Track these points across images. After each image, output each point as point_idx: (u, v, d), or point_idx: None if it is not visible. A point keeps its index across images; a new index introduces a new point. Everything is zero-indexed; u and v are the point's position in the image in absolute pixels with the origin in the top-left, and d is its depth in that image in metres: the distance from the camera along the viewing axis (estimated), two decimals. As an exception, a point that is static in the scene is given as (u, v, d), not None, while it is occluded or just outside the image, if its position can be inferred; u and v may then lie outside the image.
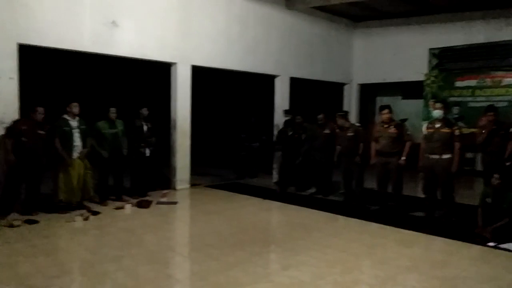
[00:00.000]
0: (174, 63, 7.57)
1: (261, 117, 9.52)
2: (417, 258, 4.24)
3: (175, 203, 6.59)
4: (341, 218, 5.85)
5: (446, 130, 5.50)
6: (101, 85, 10.35)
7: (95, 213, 5.73)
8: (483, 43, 9.11)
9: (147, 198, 6.62)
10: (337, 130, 6.90)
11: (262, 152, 9.21)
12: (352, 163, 6.56)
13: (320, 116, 7.53)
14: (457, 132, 5.50)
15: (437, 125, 5.58)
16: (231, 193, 7.49)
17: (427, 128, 5.76)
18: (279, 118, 9.15)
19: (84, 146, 5.94)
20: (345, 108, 11.29)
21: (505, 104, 8.67)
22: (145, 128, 6.89)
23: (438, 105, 5.69)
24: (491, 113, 5.77)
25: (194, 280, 3.73)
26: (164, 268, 3.92)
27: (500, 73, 8.80)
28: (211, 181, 8.53)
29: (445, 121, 5.61)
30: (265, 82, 9.69)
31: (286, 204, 6.64)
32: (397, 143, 5.89)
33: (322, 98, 11.29)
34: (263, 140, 9.19)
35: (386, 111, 6.01)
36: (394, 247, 4.62)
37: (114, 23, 6.67)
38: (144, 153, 6.86)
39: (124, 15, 6.79)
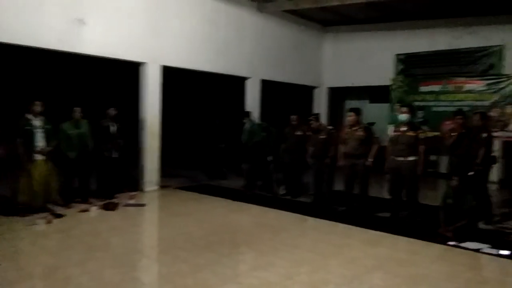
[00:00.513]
0: (144, 63, 7.46)
1: (231, 119, 9.52)
2: (382, 257, 4.36)
3: (143, 205, 6.49)
4: (309, 219, 5.93)
5: (411, 133, 5.69)
6: (67, 84, 10.04)
7: (59, 216, 5.55)
8: (446, 50, 9.49)
9: (114, 200, 6.48)
10: (310, 133, 6.99)
11: (229, 153, 9.19)
12: (323, 165, 6.66)
13: (294, 117, 7.61)
14: (421, 135, 5.70)
15: (403, 129, 5.76)
16: (201, 195, 7.44)
17: (393, 131, 5.93)
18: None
19: (48, 146, 5.74)
20: (315, 111, 11.47)
21: (466, 109, 9.01)
22: (112, 128, 6.75)
23: (404, 109, 5.87)
24: (460, 117, 6.02)
25: (162, 283, 3.68)
26: (130, 271, 3.85)
27: (461, 79, 9.18)
28: (181, 182, 8.44)
29: (410, 124, 5.79)
30: (236, 84, 9.71)
31: (255, 206, 6.66)
32: (364, 146, 6.03)
33: (292, 101, 11.41)
34: (228, 141, 9.15)
35: (351, 113, 6.15)
36: (360, 247, 4.73)
37: (81, 21, 6.50)
38: (111, 154, 6.71)
39: (92, 13, 6.63)
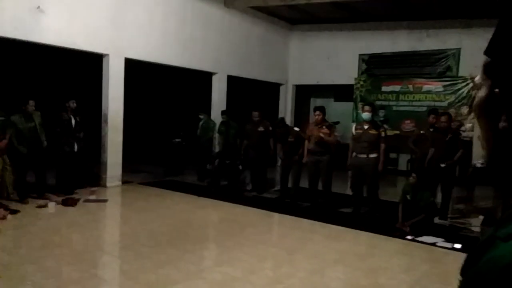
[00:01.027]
0: (106, 55, 7.23)
1: (189, 114, 9.45)
2: (344, 251, 4.47)
3: (104, 200, 6.31)
4: (274, 215, 5.98)
5: (373, 131, 5.85)
6: (24, 75, 9.58)
7: (14, 211, 5.29)
8: (407, 52, 9.82)
9: (73, 196, 6.26)
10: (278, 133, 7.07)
11: (186, 148, 9.06)
12: (291, 162, 6.73)
13: (256, 113, 7.63)
14: (383, 133, 5.88)
15: (365, 127, 5.92)
16: (165, 190, 7.33)
17: (356, 129, 6.08)
18: (216, 116, 9.14)
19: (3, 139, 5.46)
20: (281, 107, 11.59)
21: (424, 109, 9.41)
22: (73, 121, 6.50)
23: (366, 108, 6.03)
24: (433, 116, 6.22)
25: (123, 280, 3.60)
26: (90, 268, 3.74)
27: (420, 80, 9.55)
28: (145, 178, 8.28)
29: (372, 123, 5.96)
30: (203, 79, 9.62)
31: (220, 202, 6.64)
32: (326, 144, 6.17)
33: (259, 98, 11.45)
34: (183, 136, 9.02)
35: (318, 112, 6.25)
36: (323, 241, 4.83)
37: (39, 9, 6.20)
38: (72, 149, 6.48)
39: (51, 1, 6.34)
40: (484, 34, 8.86)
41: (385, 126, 8.80)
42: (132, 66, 7.71)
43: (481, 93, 0.57)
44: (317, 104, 12.93)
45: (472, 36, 8.97)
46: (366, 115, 5.96)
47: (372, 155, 5.83)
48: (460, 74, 9.13)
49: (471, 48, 8.98)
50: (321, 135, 6.11)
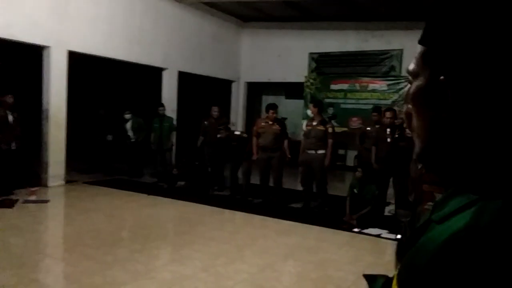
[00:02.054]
0: (47, 47, 6.82)
1: (147, 110, 9.17)
2: (294, 245, 4.55)
3: (45, 201, 5.96)
4: (226, 212, 5.97)
5: (321, 127, 6.00)
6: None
7: None
8: (354, 51, 10.17)
9: (11, 196, 5.85)
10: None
11: (117, 146, 8.68)
12: (240, 159, 6.76)
13: (215, 108, 7.57)
14: (330, 129, 6.04)
15: (314, 123, 6.06)
16: (113, 189, 7.06)
17: (306, 125, 6.22)
18: (167, 113, 8.93)
19: None
20: (233, 104, 11.57)
21: (370, 107, 9.79)
22: (10, 118, 6.08)
23: (310, 105, 6.20)
24: (375, 114, 6.48)
25: (66, 283, 3.42)
26: (29, 273, 3.51)
27: (366, 79, 9.92)
28: (91, 177, 7.92)
29: (320, 119, 6.12)
30: (153, 75, 9.37)
31: (171, 199, 6.52)
32: (279, 139, 6.24)
33: (210, 94, 11.35)
34: (115, 133, 8.62)
35: (272, 111, 6.29)
36: (274, 237, 4.88)
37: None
38: (10, 146, 6.06)
39: (-16, -13, 5.88)
40: (424, 36, 9.38)
41: (333, 122, 9.10)
42: (77, 60, 7.35)
43: (419, 82, 0.57)
44: (269, 101, 13.09)
45: (413, 37, 9.36)
46: (310, 112, 6.10)
47: (320, 151, 5.97)
48: (402, 73, 9.59)
49: (412, 49, 9.45)
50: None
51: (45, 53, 6.88)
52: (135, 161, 8.39)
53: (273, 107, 6.40)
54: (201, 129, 7.75)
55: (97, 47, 7.54)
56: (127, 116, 8.21)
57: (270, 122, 6.29)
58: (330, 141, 5.97)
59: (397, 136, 5.85)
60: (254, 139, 6.41)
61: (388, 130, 5.88)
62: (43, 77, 6.95)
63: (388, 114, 6.05)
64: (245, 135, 6.93)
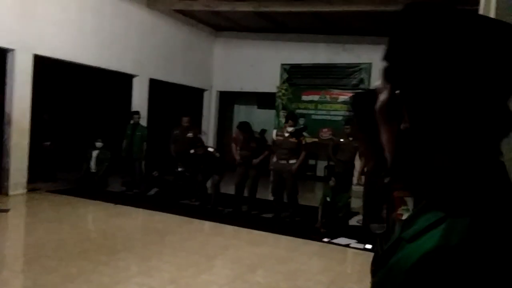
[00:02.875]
0: (11, 50, 6.55)
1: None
2: (265, 255, 4.53)
3: (6, 210, 5.67)
4: (195, 221, 5.87)
5: (293, 140, 6.04)
6: None
7: None
8: (325, 64, 10.36)
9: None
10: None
11: (57, 152, 8.15)
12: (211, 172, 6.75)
13: (186, 118, 7.55)
14: (303, 141, 6.10)
15: (286, 134, 6.10)
16: (78, 198, 6.82)
17: (277, 135, 6.25)
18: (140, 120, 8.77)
19: None
20: (205, 113, 11.50)
21: (340, 118, 10.00)
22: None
23: (290, 122, 6.15)
24: (347, 126, 6.52)
25: (25, 297, 3.26)
26: (-15, 287, 3.32)
27: (337, 91, 10.12)
28: (55, 185, 7.62)
29: (293, 131, 6.14)
30: (123, 81, 9.18)
31: (139, 209, 6.37)
32: (257, 153, 6.28)
33: (182, 103, 11.25)
34: (56, 139, 8.18)
35: (239, 131, 6.40)
36: (245, 247, 4.84)
37: None
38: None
39: None
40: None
41: (304, 133, 9.24)
42: (44, 64, 7.10)
43: (382, 97, 0.59)
44: (240, 111, 13.12)
45: (381, 52, 9.73)
46: (290, 129, 6.11)
47: (292, 161, 6.02)
48: (371, 86, 9.84)
49: (380, 63, 9.73)
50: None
51: (9, 56, 6.61)
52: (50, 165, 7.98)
53: (241, 128, 6.41)
54: (171, 138, 7.69)
55: (65, 52, 7.32)
56: (98, 144, 7.72)
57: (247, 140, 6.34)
58: (303, 153, 6.04)
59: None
60: (234, 146, 6.54)
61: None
62: (6, 80, 6.67)
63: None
64: (217, 154, 6.90)
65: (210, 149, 7.06)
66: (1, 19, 6.31)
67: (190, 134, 7.44)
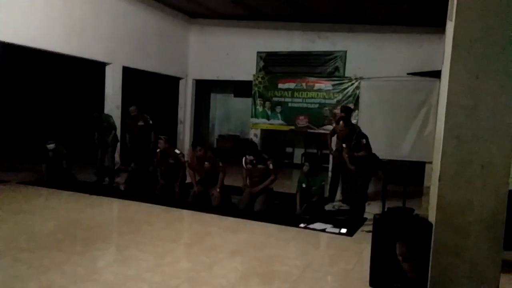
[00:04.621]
0: (-28, 36, 6.28)
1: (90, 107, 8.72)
2: (242, 242, 4.56)
3: (-26, 203, 5.49)
4: (173, 210, 5.83)
5: (261, 166, 5.92)
6: None
7: None
8: (300, 52, 10.38)
9: None
10: (158, 154, 6.76)
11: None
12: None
13: (132, 108, 7.55)
14: (271, 166, 5.93)
15: (254, 161, 5.92)
16: (51, 189, 6.66)
17: (246, 164, 6.02)
18: (111, 110, 8.59)
19: None
20: (181, 102, 11.37)
21: (316, 105, 10.09)
22: None
23: (249, 152, 5.99)
24: (343, 114, 6.36)
25: (-4, 290, 3.17)
26: (-47, 281, 3.21)
27: (313, 78, 10.18)
28: (25, 177, 7.41)
29: (259, 158, 5.94)
30: (95, 69, 8.95)
31: (116, 199, 6.28)
32: (213, 175, 6.17)
33: (157, 91, 11.08)
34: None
35: (200, 148, 6.15)
36: (221, 234, 4.86)
37: None
38: None
39: None
40: (365, 39, 9.81)
41: (280, 120, 9.30)
42: (9, 51, 6.83)
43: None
44: (217, 99, 13.02)
45: (356, 40, 9.86)
46: (250, 158, 5.93)
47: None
48: (346, 74, 9.94)
49: (355, 51, 9.86)
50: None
51: (-29, 42, 6.33)
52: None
53: (197, 144, 6.25)
54: (125, 128, 7.96)
55: (32, 38, 7.05)
56: (50, 146, 7.22)
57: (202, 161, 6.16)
58: (272, 177, 5.92)
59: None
60: (191, 174, 6.34)
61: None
62: (-30, 68, 6.40)
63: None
64: (183, 159, 6.74)
65: (177, 151, 6.95)
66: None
67: (140, 123, 7.50)
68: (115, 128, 7.79)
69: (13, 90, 9.80)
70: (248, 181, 6.06)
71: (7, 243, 4.14)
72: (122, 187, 7.14)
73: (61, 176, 7.19)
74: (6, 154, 7.12)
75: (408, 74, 9.04)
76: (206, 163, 6.17)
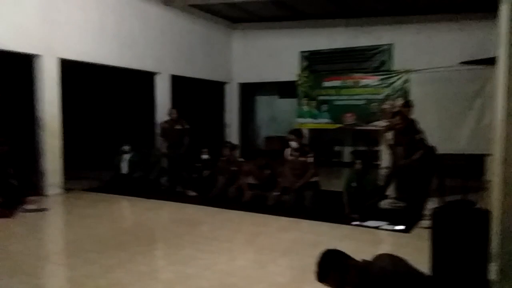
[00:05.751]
0: (38, 55, 6.80)
1: (142, 116, 9.16)
2: (295, 241, 4.59)
3: (45, 209, 5.94)
4: (225, 211, 5.98)
5: (302, 159, 5.99)
6: None
7: None
8: (344, 48, 10.23)
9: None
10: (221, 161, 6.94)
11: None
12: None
13: (173, 110, 7.74)
14: (310, 159, 5.98)
15: (296, 153, 6.01)
16: (112, 195, 7.06)
17: (290, 155, 6.13)
18: (162, 117, 8.95)
19: None
20: (227, 106, 11.59)
21: (363, 102, 9.88)
22: None
23: (291, 136, 6.12)
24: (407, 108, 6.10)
25: (71, 287, 3.43)
26: (33, 279, 3.51)
27: (358, 75, 9.98)
28: (89, 184, 7.90)
29: (300, 150, 6.03)
30: (145, 79, 9.36)
31: (171, 202, 6.54)
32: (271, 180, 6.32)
33: (204, 97, 11.37)
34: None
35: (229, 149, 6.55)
36: (274, 233, 4.91)
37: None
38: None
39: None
40: (413, 30, 9.49)
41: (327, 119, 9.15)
42: (69, 67, 7.33)
43: None
44: (262, 101, 13.15)
45: (403, 32, 9.57)
46: (293, 143, 6.02)
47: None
48: (393, 68, 9.67)
49: (402, 43, 9.57)
50: None
51: (36, 61, 6.86)
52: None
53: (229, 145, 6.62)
54: (161, 132, 8.03)
55: (88, 54, 7.54)
56: (126, 148, 7.76)
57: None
58: (312, 170, 5.96)
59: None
60: (244, 183, 6.48)
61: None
62: (35, 86, 6.93)
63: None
64: (245, 167, 6.78)
65: (205, 156, 7.13)
66: (26, 26, 6.55)
67: (178, 126, 7.60)
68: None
69: (73, 103, 10.47)
70: (290, 175, 6.06)
71: (77, 245, 4.45)
72: (190, 193, 7.17)
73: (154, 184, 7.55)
74: (70, 164, 7.61)
75: (460, 63, 8.63)
76: (266, 170, 6.31)
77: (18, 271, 3.59)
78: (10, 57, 6.75)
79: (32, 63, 6.87)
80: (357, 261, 2.29)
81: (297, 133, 6.34)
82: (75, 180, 7.92)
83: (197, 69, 10.24)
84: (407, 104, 6.32)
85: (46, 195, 6.82)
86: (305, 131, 10.73)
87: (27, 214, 5.66)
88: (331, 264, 2.18)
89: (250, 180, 6.45)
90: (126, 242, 4.44)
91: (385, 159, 9.88)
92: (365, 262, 2.29)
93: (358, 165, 5.64)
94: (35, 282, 3.46)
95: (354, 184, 5.63)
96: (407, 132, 5.47)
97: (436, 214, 3.29)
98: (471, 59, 8.43)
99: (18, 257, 3.98)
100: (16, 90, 8.56)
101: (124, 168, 7.86)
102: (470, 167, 7.93)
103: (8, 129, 6.28)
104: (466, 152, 8.33)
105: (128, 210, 6.19)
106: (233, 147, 7.10)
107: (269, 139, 12.65)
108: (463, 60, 8.57)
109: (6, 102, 6.69)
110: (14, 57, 6.79)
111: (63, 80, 7.17)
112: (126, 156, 7.88)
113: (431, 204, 5.47)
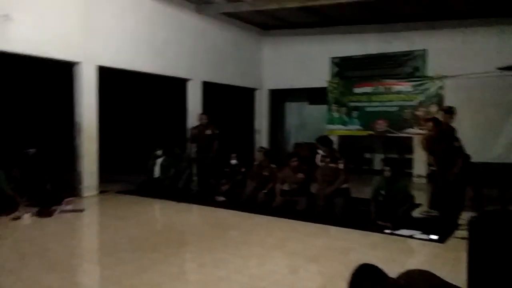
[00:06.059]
0: (78, 63, 7.11)
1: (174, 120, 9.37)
2: (324, 247, 4.55)
3: (81, 210, 6.16)
4: (255, 216, 6.00)
5: (332, 165, 6.03)
6: None
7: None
8: (376, 54, 10.11)
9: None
10: (254, 166, 7.04)
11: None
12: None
13: (203, 116, 7.89)
14: (341, 166, 6.01)
15: (327, 159, 6.05)
16: (144, 198, 7.23)
17: (320, 161, 6.19)
18: (193, 122, 9.11)
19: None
20: (257, 112, 11.67)
21: (396, 108, 9.70)
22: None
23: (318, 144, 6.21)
24: (449, 115, 5.87)
25: (106, 285, 3.54)
26: (71, 276, 3.65)
27: (390, 81, 9.82)
28: (122, 187, 8.13)
29: (331, 156, 6.07)
30: (178, 86, 9.58)
31: (201, 206, 6.63)
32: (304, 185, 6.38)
33: (234, 103, 11.49)
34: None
35: (294, 159, 6.42)
36: (303, 239, 4.89)
37: (7, 17, 6.06)
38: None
39: (19, 8, 6.21)
40: (447, 35, 9.27)
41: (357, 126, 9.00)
42: (106, 74, 7.61)
43: None
44: (292, 108, 13.16)
45: (436, 37, 9.36)
46: (320, 150, 6.07)
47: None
48: (427, 74, 9.46)
49: (436, 49, 9.36)
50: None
51: (76, 68, 7.17)
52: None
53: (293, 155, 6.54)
54: (190, 137, 8.22)
55: (124, 61, 7.81)
56: (159, 152, 8.00)
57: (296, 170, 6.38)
58: (342, 177, 5.97)
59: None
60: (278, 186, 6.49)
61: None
62: (74, 92, 7.23)
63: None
64: (278, 174, 6.75)
65: (233, 161, 7.21)
66: (68, 34, 6.86)
67: (209, 132, 7.69)
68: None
69: (109, 108, 10.83)
70: (320, 181, 6.06)
71: (111, 245, 4.60)
72: (219, 198, 7.13)
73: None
74: (105, 167, 7.87)
75: (497, 68, 8.34)
76: (300, 174, 6.31)
77: (56, 268, 3.74)
78: (52, 64, 7.08)
79: (72, 70, 7.19)
80: (395, 280, 2.15)
81: (322, 141, 6.32)
82: (110, 183, 8.18)
83: (228, 75, 10.38)
84: (449, 111, 6.01)
85: (82, 197, 7.08)
86: (335, 138, 10.66)
87: (65, 214, 5.89)
88: (367, 282, 2.03)
89: (285, 186, 6.44)
90: (158, 244, 4.54)
91: (417, 167, 9.69)
92: (405, 283, 2.15)
93: (387, 172, 5.50)
94: (72, 279, 3.60)
95: (383, 192, 5.50)
96: (443, 139, 5.32)
97: (473, 224, 3.18)
98: (509, 65, 8.13)
99: (55, 255, 4.15)
100: (57, 95, 8.96)
101: (157, 171, 8.05)
102: (508, 176, 7.62)
103: (48, 133, 6.57)
104: (504, 161, 8.02)
105: (160, 212, 6.32)
106: (266, 152, 7.13)
107: (298, 145, 12.61)
108: (500, 66, 8.29)
109: (47, 107, 7.02)
110: (56, 64, 7.12)
111: (100, 86, 7.46)
112: (159, 160, 8.07)
113: (467, 214, 5.30)
